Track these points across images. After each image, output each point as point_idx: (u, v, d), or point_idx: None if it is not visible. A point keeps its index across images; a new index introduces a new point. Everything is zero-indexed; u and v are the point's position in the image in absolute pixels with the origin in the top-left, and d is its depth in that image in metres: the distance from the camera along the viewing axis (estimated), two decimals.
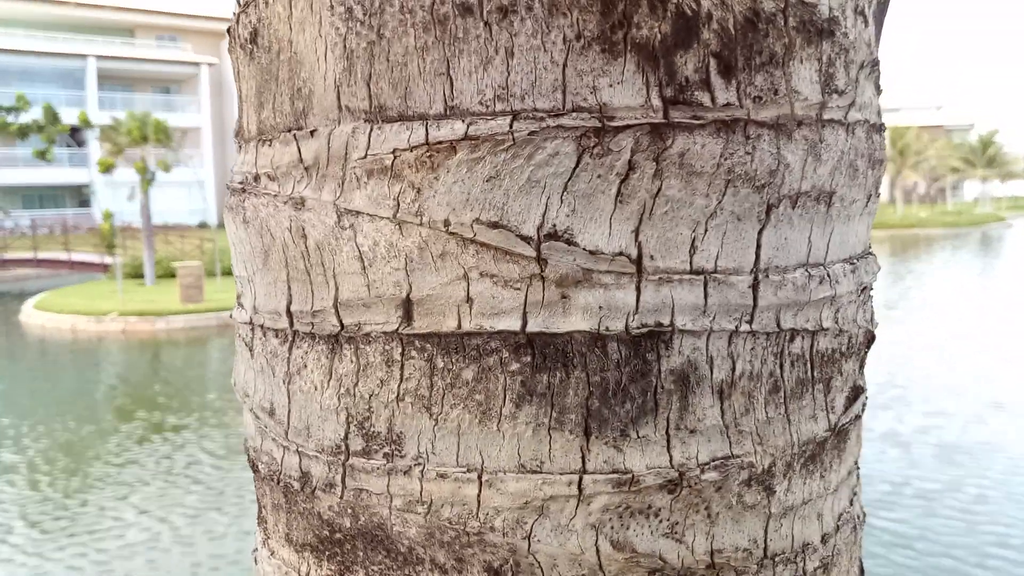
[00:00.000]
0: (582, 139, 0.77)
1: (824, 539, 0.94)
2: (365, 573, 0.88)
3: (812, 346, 0.89)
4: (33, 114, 35.18)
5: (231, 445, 11.51)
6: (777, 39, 0.80)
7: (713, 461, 0.83)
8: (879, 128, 0.94)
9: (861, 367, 0.98)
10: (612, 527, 0.82)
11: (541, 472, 0.81)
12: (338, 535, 0.89)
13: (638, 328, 0.80)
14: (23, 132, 34.99)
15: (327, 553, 0.91)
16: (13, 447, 11.79)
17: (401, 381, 0.83)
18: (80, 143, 45.64)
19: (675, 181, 0.79)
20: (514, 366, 0.80)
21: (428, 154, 0.79)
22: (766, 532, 0.87)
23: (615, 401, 0.80)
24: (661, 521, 0.83)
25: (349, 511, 0.88)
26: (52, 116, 34.44)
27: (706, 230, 0.81)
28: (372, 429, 0.86)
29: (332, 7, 0.82)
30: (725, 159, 0.79)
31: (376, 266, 0.83)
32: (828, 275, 0.88)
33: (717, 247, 0.81)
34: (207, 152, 49.77)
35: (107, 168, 29.28)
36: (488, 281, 0.80)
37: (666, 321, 0.80)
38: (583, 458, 0.81)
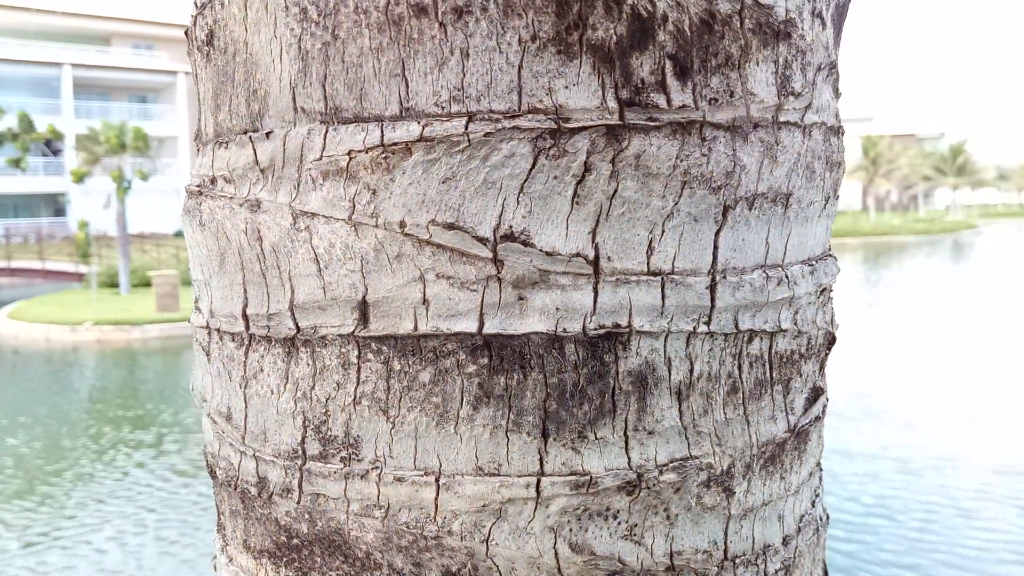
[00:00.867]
0: (538, 140, 0.77)
1: (785, 541, 0.94)
2: None
3: (771, 347, 0.89)
4: (7, 122, 34.76)
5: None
6: (733, 41, 0.80)
7: (672, 462, 0.83)
8: (837, 131, 0.95)
9: (822, 369, 0.99)
10: (571, 529, 0.81)
11: (499, 475, 0.81)
12: (295, 541, 0.88)
13: (596, 329, 0.79)
14: None
15: (285, 559, 0.90)
16: None
17: (358, 384, 0.83)
18: (55, 152, 45.15)
19: (631, 183, 0.79)
20: (471, 368, 0.80)
21: (383, 155, 0.78)
22: (726, 534, 0.87)
23: (573, 403, 0.80)
24: (620, 523, 0.82)
25: (306, 516, 0.87)
26: (27, 124, 34.06)
27: (663, 231, 0.81)
28: (329, 433, 0.85)
29: (287, 8, 0.81)
30: (681, 161, 0.79)
31: (332, 268, 0.82)
32: (786, 276, 0.88)
33: (674, 248, 0.81)
34: (184, 161, 49.40)
35: (80, 178, 28.99)
36: (444, 283, 0.79)
37: (624, 322, 0.80)
38: (541, 460, 0.81)
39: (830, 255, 1.00)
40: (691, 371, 0.83)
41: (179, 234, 43.74)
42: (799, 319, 0.92)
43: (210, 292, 0.95)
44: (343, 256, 0.81)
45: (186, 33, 0.98)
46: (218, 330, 0.94)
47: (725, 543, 0.87)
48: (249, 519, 0.93)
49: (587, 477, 0.81)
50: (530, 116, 0.76)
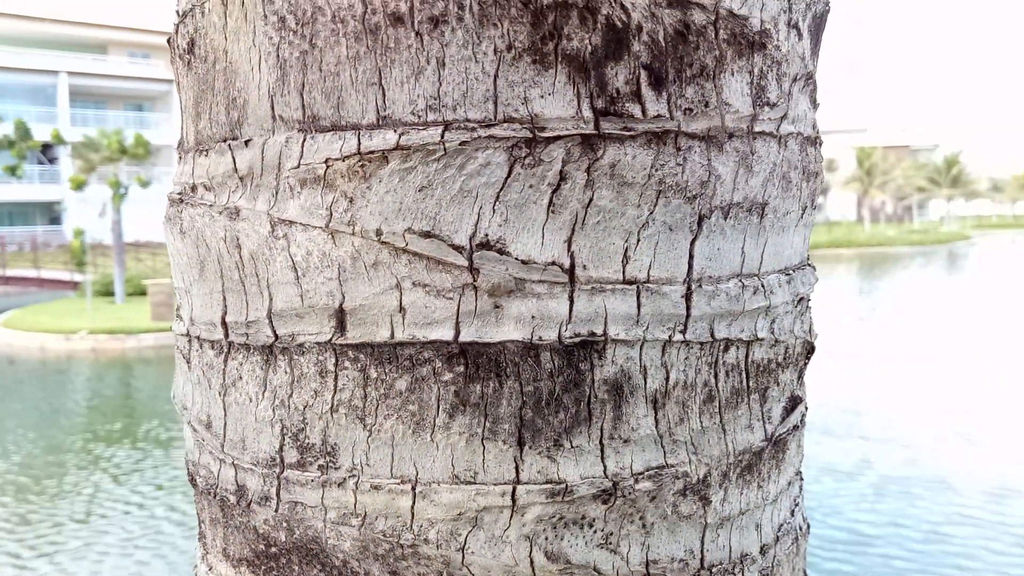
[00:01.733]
0: (513, 149, 0.77)
1: (763, 550, 0.94)
2: None
3: (747, 356, 0.89)
4: (4, 130, 34.72)
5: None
6: (708, 51, 0.81)
7: (647, 471, 0.83)
8: (814, 141, 0.96)
9: (800, 377, 0.99)
10: (546, 538, 0.82)
11: (475, 483, 0.81)
12: (274, 549, 0.88)
13: (571, 338, 0.80)
14: None
15: (263, 568, 0.89)
16: None
17: (335, 392, 0.83)
18: (51, 160, 45.10)
19: (607, 192, 0.79)
20: (447, 376, 0.80)
21: (360, 164, 0.79)
22: (702, 542, 0.87)
23: (548, 411, 0.80)
24: (595, 531, 0.82)
25: (284, 524, 0.87)
26: (24, 132, 34.03)
27: (639, 240, 0.81)
28: (307, 441, 0.85)
29: (266, 17, 0.82)
30: (656, 170, 0.80)
31: (309, 276, 0.82)
32: (762, 285, 0.89)
33: (650, 257, 0.82)
34: None
35: (79, 185, 28.96)
36: (421, 291, 0.80)
37: (599, 331, 0.80)
38: (517, 468, 0.81)
39: (808, 264, 1.01)
40: (667, 379, 0.83)
41: None
42: (776, 328, 0.92)
43: (190, 300, 0.95)
44: (320, 264, 0.82)
45: (169, 41, 0.98)
46: (198, 338, 0.94)
47: (702, 552, 0.87)
48: (228, 527, 0.93)
49: (563, 485, 0.81)
50: (506, 125, 0.77)
